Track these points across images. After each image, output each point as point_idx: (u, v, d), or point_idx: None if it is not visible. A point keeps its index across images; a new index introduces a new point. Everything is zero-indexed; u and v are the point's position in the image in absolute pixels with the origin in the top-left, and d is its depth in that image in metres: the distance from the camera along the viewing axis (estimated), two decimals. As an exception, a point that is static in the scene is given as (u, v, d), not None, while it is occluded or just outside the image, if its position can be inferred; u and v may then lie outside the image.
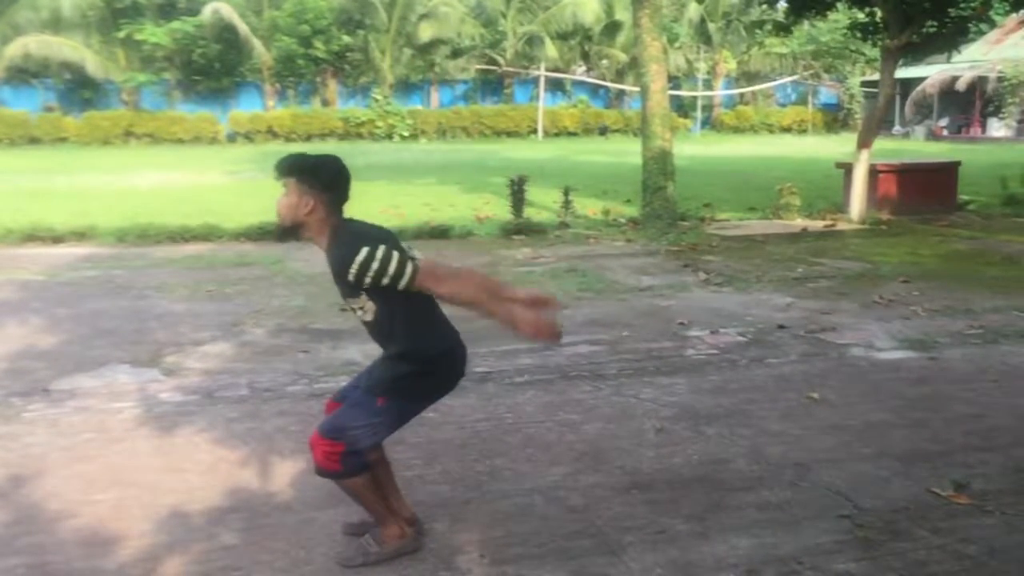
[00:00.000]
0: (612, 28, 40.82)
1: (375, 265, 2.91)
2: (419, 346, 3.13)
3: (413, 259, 3.01)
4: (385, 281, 2.94)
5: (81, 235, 11.03)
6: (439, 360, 3.21)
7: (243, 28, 35.51)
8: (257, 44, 36.32)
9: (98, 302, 7.73)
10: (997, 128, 35.13)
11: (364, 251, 2.92)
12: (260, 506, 3.74)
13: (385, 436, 3.27)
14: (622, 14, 38.25)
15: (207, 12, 34.66)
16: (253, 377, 5.51)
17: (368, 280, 2.94)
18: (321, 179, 3.05)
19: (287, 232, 3.14)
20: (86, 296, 7.97)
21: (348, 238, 3.01)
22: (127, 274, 8.97)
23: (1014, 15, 20.04)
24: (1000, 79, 33.72)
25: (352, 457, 3.14)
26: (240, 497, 3.82)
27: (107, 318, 7.14)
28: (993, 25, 28.16)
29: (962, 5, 13.17)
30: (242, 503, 3.76)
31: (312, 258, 7.33)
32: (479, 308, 3.00)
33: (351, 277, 2.95)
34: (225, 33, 35.63)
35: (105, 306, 7.58)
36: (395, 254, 2.95)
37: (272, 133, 35.48)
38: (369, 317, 3.09)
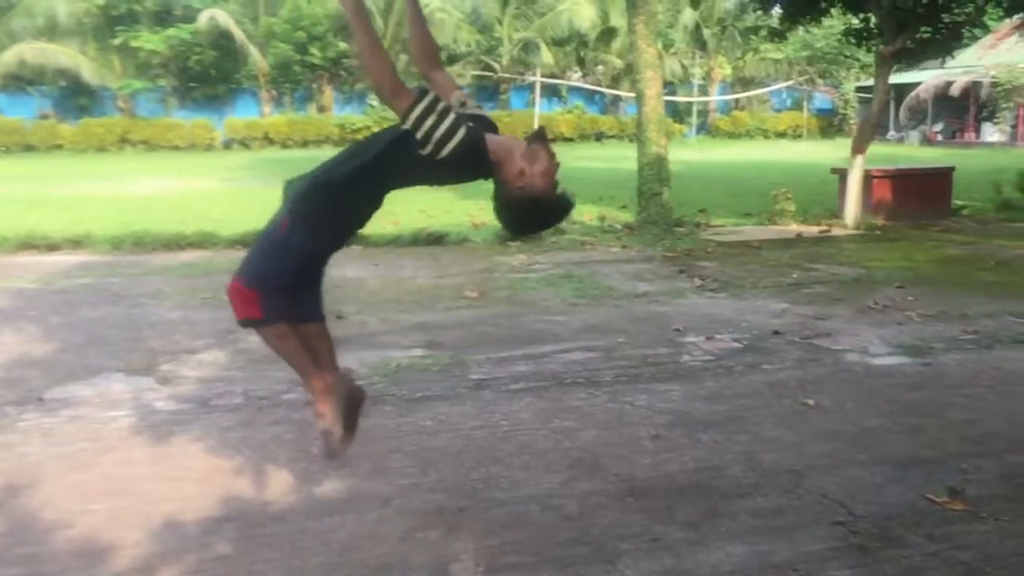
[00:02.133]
0: (607, 34, 40.90)
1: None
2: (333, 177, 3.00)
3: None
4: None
5: (76, 243, 11.01)
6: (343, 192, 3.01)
7: (239, 35, 35.54)
8: (253, 51, 36.34)
9: (93, 310, 7.72)
10: (991, 133, 35.24)
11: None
12: (255, 515, 3.74)
13: (288, 268, 3.07)
14: (617, 20, 38.31)
15: (203, 19, 34.68)
16: (248, 385, 5.50)
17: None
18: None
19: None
20: (81, 304, 7.96)
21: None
22: (122, 282, 8.95)
23: (1007, 20, 20.12)
24: (994, 84, 33.82)
25: (266, 299, 3.04)
26: (235, 506, 3.81)
27: (102, 326, 7.13)
28: (987, 30, 28.31)
29: (956, 11, 13.22)
30: (237, 512, 3.76)
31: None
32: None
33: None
34: (221, 40, 35.64)
35: (100, 314, 7.57)
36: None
37: (268, 140, 35.48)
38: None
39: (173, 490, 3.97)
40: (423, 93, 2.76)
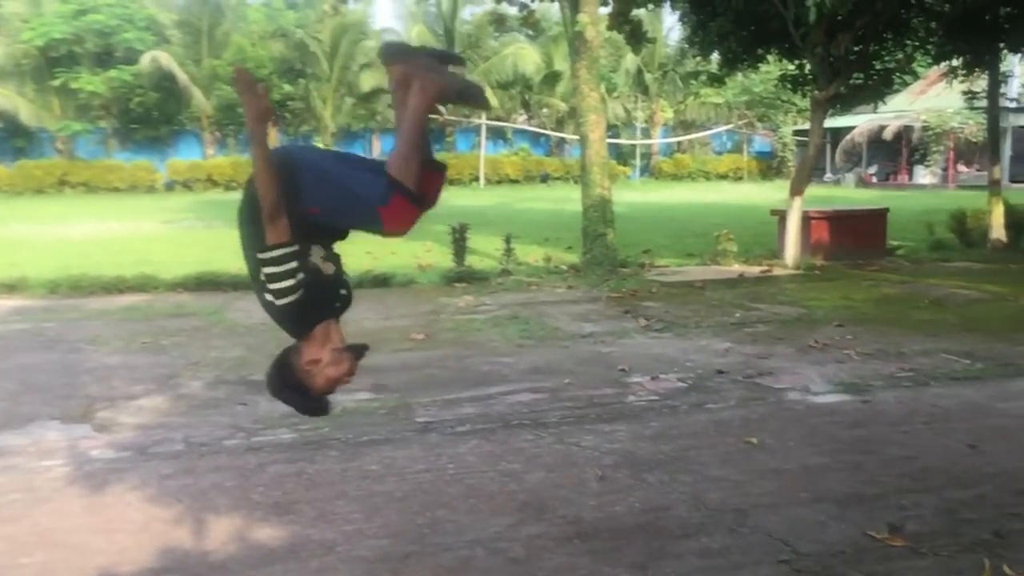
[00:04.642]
0: (552, 78, 41.49)
1: None
2: None
3: None
4: None
5: (10, 287, 10.73)
6: None
7: (182, 76, 35.30)
8: (196, 92, 36.09)
9: (27, 356, 7.52)
10: (923, 175, 36.36)
11: None
12: (194, 566, 3.64)
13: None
14: (561, 64, 38.87)
15: (145, 60, 34.40)
16: (189, 431, 5.39)
17: None
18: None
19: None
20: (15, 350, 7.75)
21: None
22: (59, 327, 8.74)
23: (935, 67, 20.88)
24: (925, 128, 34.99)
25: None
26: (173, 557, 3.72)
27: (37, 373, 6.94)
28: (916, 77, 29.28)
29: (887, 58, 13.70)
30: (175, 563, 3.66)
31: (252, 308, 7.24)
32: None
33: None
34: (164, 81, 35.36)
35: (35, 360, 7.37)
36: None
37: (212, 181, 35.16)
38: None
39: (109, 542, 3.86)
40: (291, 243, 2.63)
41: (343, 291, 2.73)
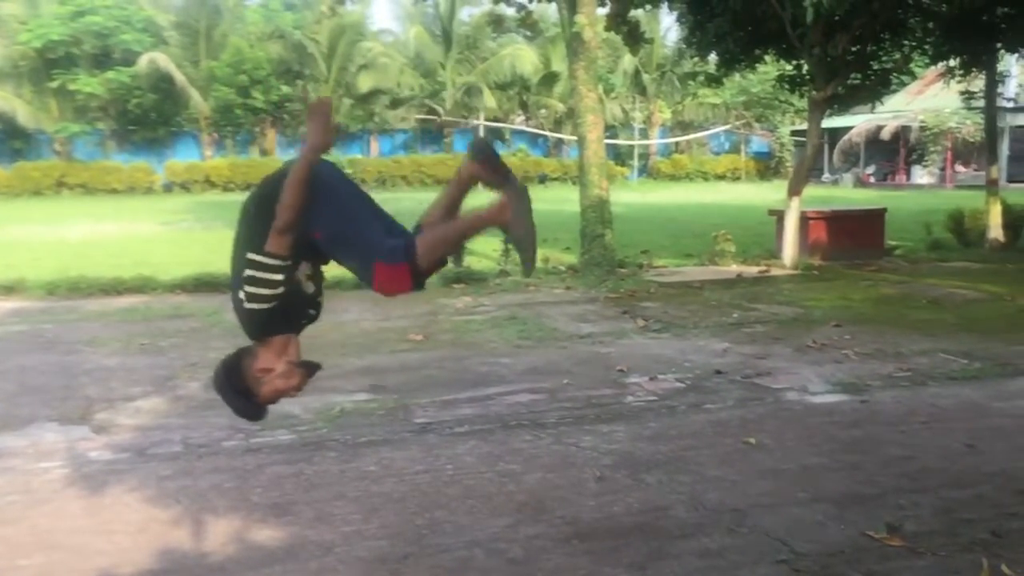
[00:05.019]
0: (549, 79, 41.49)
1: None
2: None
3: None
4: None
5: (9, 289, 10.73)
6: None
7: (180, 78, 35.28)
8: (194, 94, 36.08)
9: (26, 358, 7.51)
10: (921, 175, 36.39)
11: None
12: (192, 567, 3.64)
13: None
14: (559, 65, 38.89)
15: (143, 62, 34.38)
16: (187, 433, 5.39)
17: None
18: None
19: None
20: (13, 352, 7.74)
21: None
22: (57, 328, 8.74)
23: (933, 67, 20.90)
24: (922, 128, 35.01)
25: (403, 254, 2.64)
26: (172, 558, 3.72)
27: (35, 374, 6.94)
28: (914, 77, 29.32)
29: (884, 58, 13.70)
30: (174, 564, 3.66)
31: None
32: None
33: None
34: (161, 83, 35.34)
35: (33, 362, 7.37)
36: None
37: (209, 183, 35.14)
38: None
39: (107, 543, 3.86)
40: (287, 258, 2.66)
41: (312, 311, 2.79)
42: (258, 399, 2.85)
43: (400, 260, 2.61)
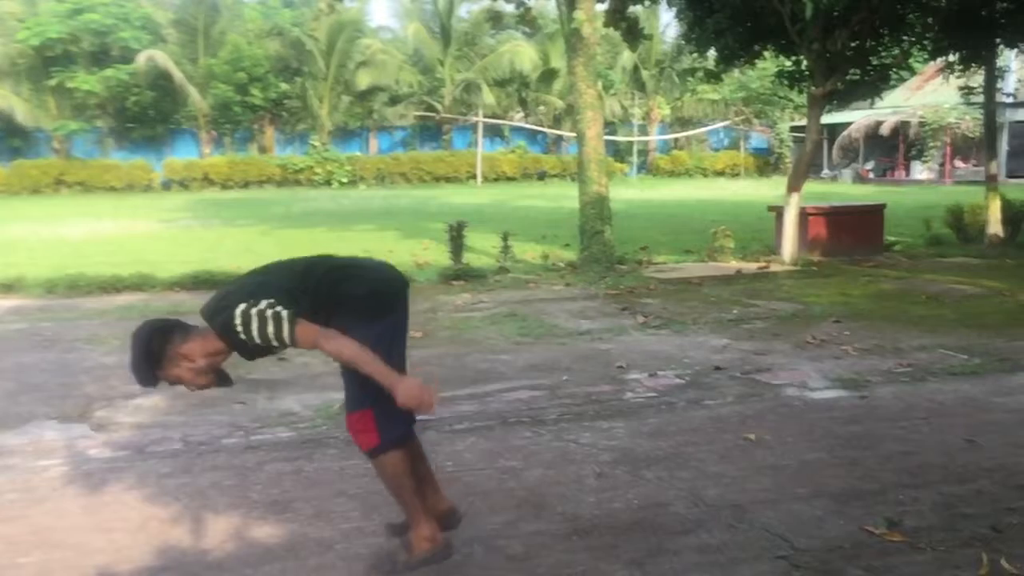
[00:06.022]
0: (548, 75, 41.50)
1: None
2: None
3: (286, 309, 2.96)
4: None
5: (7, 287, 10.73)
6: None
7: (178, 75, 35.28)
8: (193, 91, 36.08)
9: (24, 356, 7.51)
10: (920, 171, 36.42)
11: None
12: (192, 565, 3.64)
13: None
14: (558, 61, 38.92)
15: (141, 60, 34.38)
16: (187, 430, 5.38)
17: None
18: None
19: None
20: (11, 350, 7.74)
21: None
22: (55, 326, 8.74)
23: (932, 63, 20.89)
24: (921, 124, 35.04)
25: (384, 421, 3.11)
26: (171, 556, 3.71)
27: (34, 372, 6.93)
28: (913, 72, 29.30)
29: (883, 54, 13.70)
30: (173, 562, 3.66)
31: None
32: (363, 366, 2.99)
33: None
34: (160, 80, 35.35)
35: (32, 360, 7.36)
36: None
37: (208, 180, 35.15)
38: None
39: (107, 541, 3.85)
40: (293, 344, 3.08)
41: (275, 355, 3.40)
42: (159, 372, 2.98)
43: (364, 410, 3.21)
